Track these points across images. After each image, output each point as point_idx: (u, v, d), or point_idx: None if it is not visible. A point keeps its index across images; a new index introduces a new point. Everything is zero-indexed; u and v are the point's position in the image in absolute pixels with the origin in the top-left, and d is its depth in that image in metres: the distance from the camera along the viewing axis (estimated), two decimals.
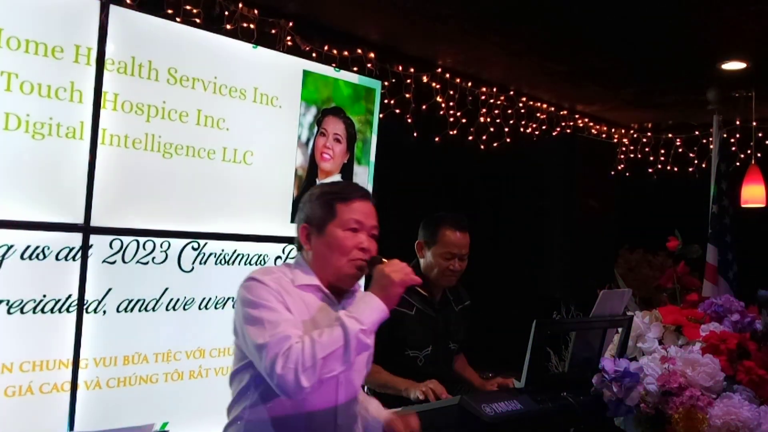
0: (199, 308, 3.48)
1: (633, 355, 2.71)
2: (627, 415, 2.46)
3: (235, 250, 3.61)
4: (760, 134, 6.27)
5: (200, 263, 3.49)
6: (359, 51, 4.62)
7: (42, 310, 2.96)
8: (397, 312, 2.88)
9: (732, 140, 6.46)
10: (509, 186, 6.31)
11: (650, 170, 7.23)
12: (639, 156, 7.31)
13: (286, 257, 3.79)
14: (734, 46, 4.77)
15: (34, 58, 2.91)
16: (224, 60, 3.56)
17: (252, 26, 4.02)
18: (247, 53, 3.67)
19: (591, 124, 7.01)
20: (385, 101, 4.83)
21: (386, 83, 4.80)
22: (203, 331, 3.47)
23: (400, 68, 4.93)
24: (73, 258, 3.05)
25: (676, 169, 7.08)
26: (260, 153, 3.69)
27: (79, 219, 3.08)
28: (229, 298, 3.56)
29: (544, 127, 6.31)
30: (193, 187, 3.45)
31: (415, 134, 5.20)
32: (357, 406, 2.14)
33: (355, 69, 4.52)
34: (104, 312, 3.15)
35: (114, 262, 3.19)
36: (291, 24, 4.22)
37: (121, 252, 3.22)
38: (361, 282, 2.33)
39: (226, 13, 3.93)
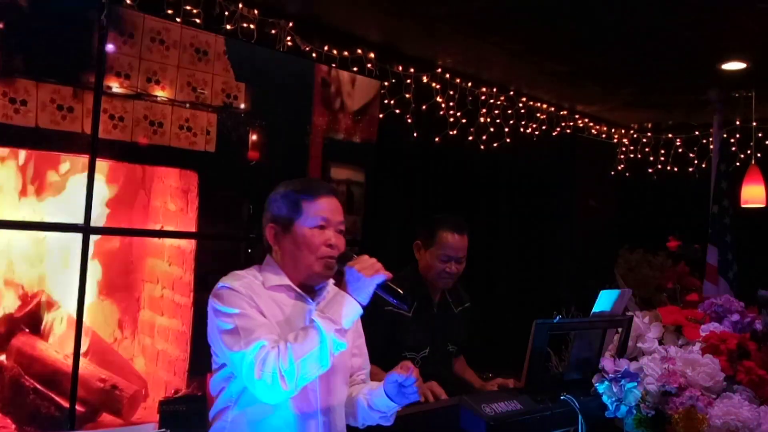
0: None
1: (633, 355, 2.70)
2: (627, 415, 2.46)
3: None
4: (760, 134, 6.26)
5: None
6: (359, 51, 4.61)
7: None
8: (395, 313, 2.87)
9: (732, 140, 6.45)
10: (509, 186, 6.31)
11: (650, 170, 7.22)
12: (639, 156, 7.31)
13: None
14: (734, 46, 4.77)
15: None
16: None
17: (252, 26, 4.02)
18: None
19: (591, 124, 7.00)
20: (385, 101, 4.83)
21: (386, 83, 4.80)
22: None
23: (400, 68, 4.92)
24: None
25: (676, 169, 7.08)
26: None
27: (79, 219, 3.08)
28: None
29: (544, 127, 6.30)
30: None
31: (415, 134, 5.20)
32: (342, 405, 2.11)
33: (355, 69, 4.52)
34: None
35: None
36: (291, 24, 4.22)
37: None
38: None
39: (226, 13, 3.92)
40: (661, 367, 2.41)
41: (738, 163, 6.29)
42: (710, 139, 6.40)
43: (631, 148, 7.36)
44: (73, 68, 3.18)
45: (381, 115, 4.74)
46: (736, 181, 5.73)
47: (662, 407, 2.35)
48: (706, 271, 5.59)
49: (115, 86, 3.29)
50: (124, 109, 3.35)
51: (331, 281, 2.10)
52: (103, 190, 3.32)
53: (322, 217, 2.01)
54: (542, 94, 6.21)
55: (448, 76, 5.26)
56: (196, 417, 2.04)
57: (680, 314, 2.88)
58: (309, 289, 2.06)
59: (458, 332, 3.21)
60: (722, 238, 5.65)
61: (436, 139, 5.39)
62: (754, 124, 5.96)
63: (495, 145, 5.82)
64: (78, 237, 3.09)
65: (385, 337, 2.93)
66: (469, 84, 5.47)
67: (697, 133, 6.88)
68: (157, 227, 3.58)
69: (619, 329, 2.69)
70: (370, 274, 1.91)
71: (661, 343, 2.69)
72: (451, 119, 5.37)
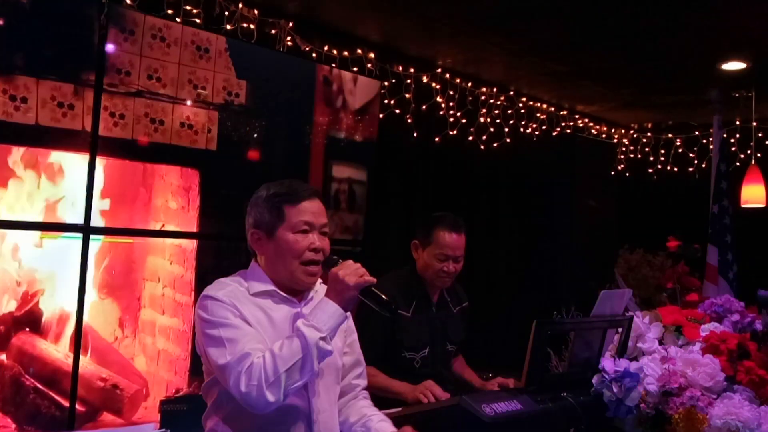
0: None
1: (633, 355, 2.70)
2: (627, 415, 2.46)
3: None
4: (760, 134, 6.27)
5: None
6: (359, 51, 4.62)
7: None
8: (394, 313, 2.87)
9: (732, 140, 6.45)
10: (509, 186, 6.31)
11: (650, 170, 7.22)
12: (639, 156, 7.31)
13: None
14: (734, 46, 4.77)
15: None
16: None
17: (252, 26, 4.02)
18: None
19: (591, 124, 7.00)
20: (385, 101, 4.83)
21: (386, 83, 4.80)
22: None
23: (400, 68, 4.93)
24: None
25: (676, 169, 7.08)
26: None
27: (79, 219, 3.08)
28: None
29: (544, 127, 6.30)
30: None
31: (415, 134, 5.20)
32: (335, 408, 2.10)
33: (355, 69, 4.52)
34: None
35: None
36: (291, 24, 4.22)
37: None
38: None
39: (226, 13, 3.92)
40: (661, 367, 2.42)
41: (738, 163, 6.29)
42: (710, 139, 6.40)
43: (631, 148, 7.36)
44: (74, 65, 3.18)
45: (381, 115, 4.75)
46: (736, 181, 5.74)
47: (662, 407, 2.35)
48: (706, 271, 5.59)
49: (116, 83, 3.28)
50: (125, 107, 3.35)
51: (319, 280, 2.09)
52: (103, 188, 3.31)
53: (305, 222, 1.99)
54: (542, 94, 6.21)
55: (448, 76, 5.26)
56: (197, 416, 2.03)
57: (680, 314, 2.88)
58: (295, 292, 2.04)
59: (457, 332, 3.20)
60: (722, 238, 5.65)
61: (436, 139, 5.39)
62: (754, 124, 5.96)
63: (495, 145, 5.82)
64: (78, 235, 3.09)
65: (384, 337, 2.92)
66: (469, 84, 5.48)
67: (697, 133, 6.88)
68: (158, 225, 3.58)
69: (619, 329, 2.69)
70: (353, 281, 1.90)
71: (661, 343, 2.69)
72: (451, 119, 5.37)
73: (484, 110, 5.67)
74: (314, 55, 4.36)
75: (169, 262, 3.65)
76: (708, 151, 6.58)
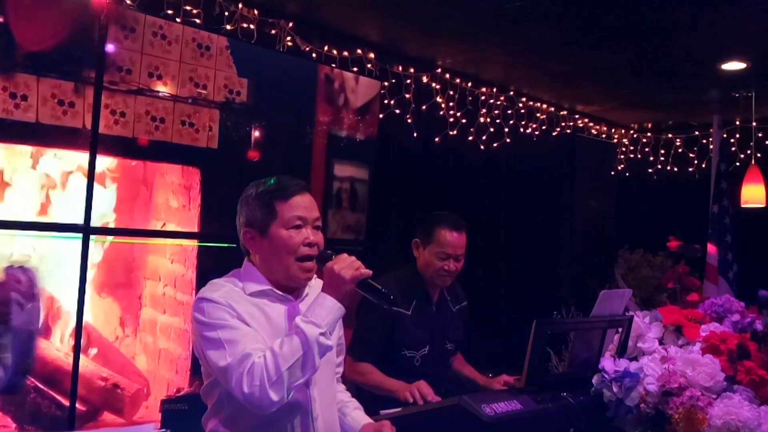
0: None
1: (633, 355, 2.71)
2: (627, 415, 2.46)
3: None
4: (760, 134, 6.27)
5: None
6: (359, 51, 4.62)
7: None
8: (394, 312, 2.88)
9: (732, 140, 6.46)
10: (509, 186, 6.31)
11: (650, 170, 7.23)
12: (639, 156, 7.31)
13: None
14: (734, 46, 4.77)
15: None
16: None
17: (252, 26, 4.02)
18: None
19: (591, 124, 7.00)
20: (385, 101, 4.83)
21: (386, 83, 4.80)
22: None
23: (400, 68, 4.93)
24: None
25: (676, 169, 7.08)
26: None
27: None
28: None
29: (544, 127, 6.30)
30: None
31: (415, 134, 5.20)
32: (334, 400, 2.11)
33: (355, 69, 4.52)
34: None
35: None
36: (291, 24, 4.22)
37: None
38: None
39: (226, 13, 3.93)
40: (661, 367, 2.42)
41: (738, 163, 6.29)
42: (710, 139, 6.41)
43: (631, 148, 7.36)
44: (74, 63, 3.18)
45: (381, 115, 4.75)
46: (736, 181, 5.74)
47: (662, 407, 2.35)
48: (706, 271, 5.60)
49: (117, 81, 3.28)
50: (126, 105, 3.35)
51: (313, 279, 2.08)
52: (104, 187, 3.32)
53: (297, 217, 1.98)
54: (542, 94, 6.21)
55: (448, 76, 5.26)
56: (198, 416, 2.03)
57: (680, 314, 2.89)
58: (290, 289, 2.03)
59: (456, 331, 3.20)
60: (722, 238, 5.66)
61: (436, 139, 5.39)
62: (754, 124, 5.96)
63: (495, 145, 5.82)
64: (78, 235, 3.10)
65: (383, 335, 2.93)
66: (469, 84, 5.48)
67: (697, 133, 6.88)
68: (159, 224, 3.58)
69: (619, 329, 2.69)
70: (349, 274, 1.89)
71: (661, 343, 2.70)
72: (451, 119, 5.38)
73: (484, 110, 5.68)
74: (314, 55, 4.36)
75: (170, 261, 3.65)
76: (708, 151, 6.58)
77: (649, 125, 7.35)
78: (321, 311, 1.87)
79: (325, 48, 4.44)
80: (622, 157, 7.37)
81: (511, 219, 6.36)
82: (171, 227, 3.62)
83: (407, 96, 4.99)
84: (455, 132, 5.42)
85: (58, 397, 3.16)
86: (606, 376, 2.42)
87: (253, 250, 2.03)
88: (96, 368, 3.37)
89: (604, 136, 7.23)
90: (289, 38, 4.23)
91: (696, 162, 6.92)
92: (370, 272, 1.94)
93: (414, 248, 3.12)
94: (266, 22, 4.13)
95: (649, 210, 7.05)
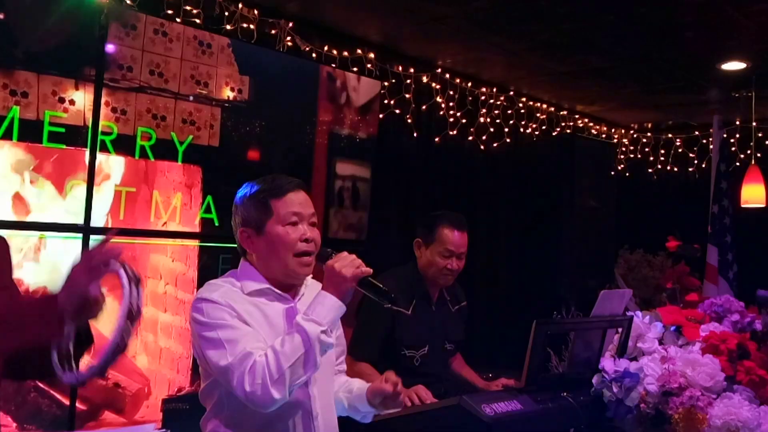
0: None
1: (633, 355, 2.71)
2: (627, 415, 2.46)
3: None
4: (760, 134, 6.27)
5: None
6: (359, 51, 4.62)
7: None
8: (395, 311, 2.88)
9: (732, 140, 6.46)
10: (509, 186, 6.31)
11: (650, 170, 7.23)
12: (639, 156, 7.32)
13: None
14: (734, 46, 4.77)
15: None
16: None
17: (252, 26, 4.02)
18: None
19: (591, 124, 7.00)
20: (385, 101, 4.83)
21: (386, 83, 4.80)
22: None
23: (400, 68, 4.93)
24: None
25: (676, 169, 7.08)
26: None
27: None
28: None
29: (544, 127, 6.30)
30: None
31: (415, 134, 5.20)
32: (333, 399, 2.12)
33: (355, 69, 4.53)
34: None
35: None
36: (291, 24, 4.23)
37: None
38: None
39: (226, 13, 3.93)
40: (661, 367, 2.42)
41: (738, 163, 6.29)
42: (710, 139, 6.41)
43: (631, 148, 7.36)
44: (75, 60, 3.17)
45: (381, 115, 4.75)
46: (736, 181, 5.74)
47: (662, 407, 2.36)
48: (706, 271, 5.60)
49: (118, 79, 3.28)
50: (127, 102, 3.35)
51: (309, 276, 2.09)
52: (104, 187, 3.31)
53: (293, 213, 1.99)
54: (542, 94, 6.21)
55: (448, 76, 5.27)
56: (199, 415, 2.03)
57: (680, 314, 2.89)
58: (288, 288, 2.04)
59: (456, 331, 3.21)
60: (722, 238, 5.66)
61: (436, 139, 5.39)
62: (754, 124, 5.96)
63: (495, 145, 5.82)
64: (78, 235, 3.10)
65: (384, 334, 2.93)
66: (469, 84, 5.48)
67: (697, 133, 6.88)
68: (160, 222, 3.58)
69: (619, 329, 2.69)
70: (350, 272, 1.90)
71: (661, 343, 2.70)
72: (451, 119, 5.38)
73: (484, 110, 5.68)
74: (314, 55, 4.37)
75: (171, 260, 3.65)
76: (708, 151, 6.58)
77: (649, 125, 7.35)
78: (322, 309, 1.87)
79: (325, 48, 4.44)
80: (622, 157, 7.37)
81: (511, 219, 6.37)
82: (172, 226, 3.62)
83: (407, 96, 4.99)
84: (455, 132, 5.42)
85: (59, 396, 3.16)
86: (606, 376, 2.43)
87: (250, 249, 2.03)
88: None
89: (604, 136, 7.23)
90: (289, 38, 4.23)
91: (696, 162, 6.92)
92: (371, 270, 1.94)
93: (416, 248, 3.12)
94: (266, 22, 4.13)
95: (649, 210, 7.05)
